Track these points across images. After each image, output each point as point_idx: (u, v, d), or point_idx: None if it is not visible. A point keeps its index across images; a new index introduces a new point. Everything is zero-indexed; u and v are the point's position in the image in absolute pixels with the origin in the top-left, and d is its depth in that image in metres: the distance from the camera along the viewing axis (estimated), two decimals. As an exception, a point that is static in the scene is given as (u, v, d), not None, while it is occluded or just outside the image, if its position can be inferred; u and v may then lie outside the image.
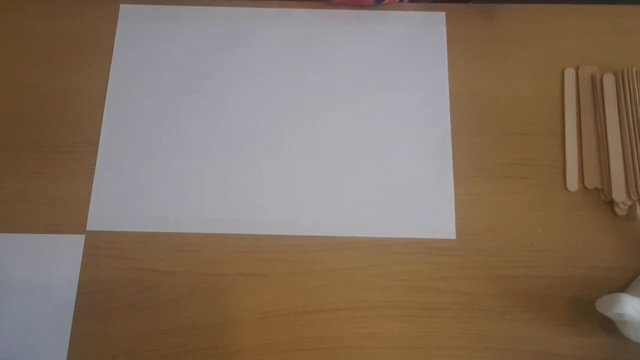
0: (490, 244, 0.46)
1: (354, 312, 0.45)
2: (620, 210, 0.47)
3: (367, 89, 0.51)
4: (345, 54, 0.52)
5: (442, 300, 0.45)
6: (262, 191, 0.48)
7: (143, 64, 0.52)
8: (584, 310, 0.44)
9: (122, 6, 0.54)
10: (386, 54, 0.52)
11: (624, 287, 0.44)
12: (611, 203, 0.47)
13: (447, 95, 0.51)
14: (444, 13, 0.53)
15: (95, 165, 0.48)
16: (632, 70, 0.50)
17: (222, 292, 0.45)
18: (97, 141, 0.49)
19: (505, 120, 0.50)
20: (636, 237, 0.46)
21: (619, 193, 0.46)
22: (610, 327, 0.43)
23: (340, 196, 0.48)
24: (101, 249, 0.46)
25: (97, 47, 0.52)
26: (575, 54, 0.52)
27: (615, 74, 0.50)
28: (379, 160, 0.49)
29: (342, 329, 0.44)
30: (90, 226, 0.47)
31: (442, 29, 0.53)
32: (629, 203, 0.46)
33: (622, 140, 0.48)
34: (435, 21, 0.53)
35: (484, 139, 0.49)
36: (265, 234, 0.46)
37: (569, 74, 0.51)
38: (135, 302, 0.45)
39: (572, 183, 0.48)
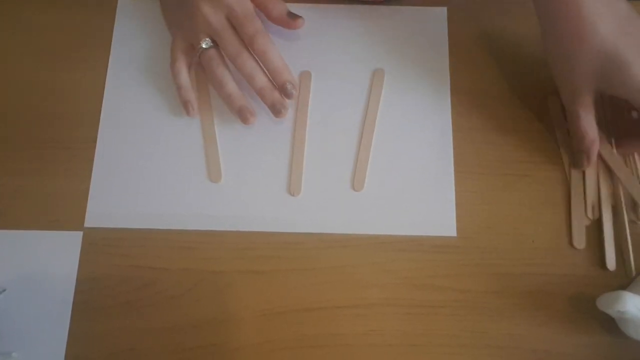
0: (490, 242, 0.46)
1: (354, 310, 0.44)
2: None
3: (366, 84, 0.51)
4: (344, 50, 0.52)
5: (442, 297, 0.45)
6: (261, 188, 0.47)
7: (141, 60, 0.51)
8: (585, 308, 0.44)
9: (120, 0, 0.53)
10: (386, 49, 0.52)
11: (625, 284, 0.44)
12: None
13: (448, 91, 0.50)
14: (445, 8, 0.53)
15: (93, 161, 0.48)
16: None
17: (220, 289, 0.45)
18: (95, 137, 0.49)
19: (507, 117, 0.50)
20: (637, 234, 0.46)
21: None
22: (611, 325, 0.43)
23: (340, 193, 0.47)
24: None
25: (95, 42, 0.52)
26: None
27: None
28: (379, 156, 0.48)
29: (341, 327, 0.44)
30: (88, 223, 0.46)
31: (444, 24, 0.52)
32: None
33: None
34: (437, 17, 0.53)
35: (485, 135, 0.49)
36: (264, 231, 0.46)
37: None
38: (133, 300, 0.44)
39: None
